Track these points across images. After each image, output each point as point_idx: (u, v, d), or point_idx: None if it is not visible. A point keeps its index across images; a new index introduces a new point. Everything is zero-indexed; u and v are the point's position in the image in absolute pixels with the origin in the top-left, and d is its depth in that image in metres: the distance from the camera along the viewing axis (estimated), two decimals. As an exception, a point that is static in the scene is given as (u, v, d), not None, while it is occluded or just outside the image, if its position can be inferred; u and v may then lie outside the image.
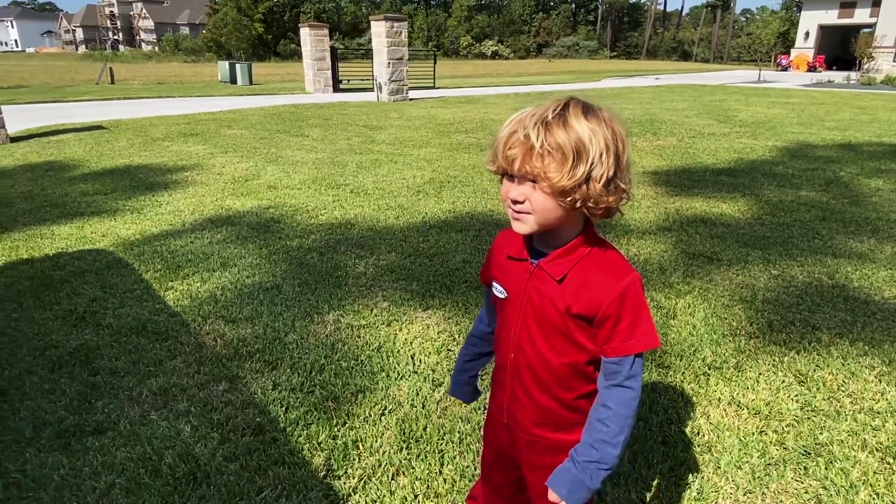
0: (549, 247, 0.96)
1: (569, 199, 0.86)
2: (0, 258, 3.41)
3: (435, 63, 18.72)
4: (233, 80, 19.25)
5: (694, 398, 2.09)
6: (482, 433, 1.28)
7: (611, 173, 0.86)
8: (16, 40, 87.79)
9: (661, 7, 79.64)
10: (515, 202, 0.91)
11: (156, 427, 1.91)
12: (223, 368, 2.26)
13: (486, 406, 1.28)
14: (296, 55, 49.28)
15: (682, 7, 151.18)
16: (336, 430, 1.90)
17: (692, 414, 2.00)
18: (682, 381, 2.18)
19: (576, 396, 1.01)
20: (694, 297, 2.90)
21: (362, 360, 2.33)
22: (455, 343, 2.47)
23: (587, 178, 0.85)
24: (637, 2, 76.43)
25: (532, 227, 0.91)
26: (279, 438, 1.86)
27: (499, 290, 1.05)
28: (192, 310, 2.75)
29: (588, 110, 0.87)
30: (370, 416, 1.98)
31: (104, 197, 4.79)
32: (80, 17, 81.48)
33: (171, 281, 3.09)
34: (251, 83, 19.01)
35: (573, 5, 75.89)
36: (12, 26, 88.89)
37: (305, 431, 1.89)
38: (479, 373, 1.28)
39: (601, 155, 0.85)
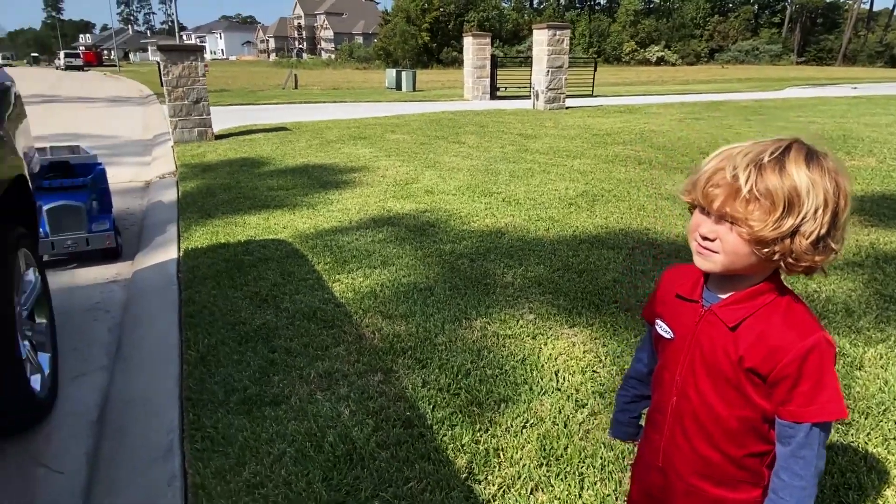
0: (725, 290, 0.90)
1: (766, 249, 0.79)
2: (205, 241, 4.00)
3: (595, 70, 18.30)
4: (398, 86, 20.49)
5: (879, 465, 1.84)
6: (631, 470, 1.25)
7: (823, 231, 0.77)
8: (222, 49, 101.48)
9: (867, 6, 69.94)
10: (705, 238, 0.84)
11: (320, 406, 2.14)
12: (379, 360, 2.45)
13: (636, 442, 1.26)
14: (456, 62, 51.06)
15: (895, 6, 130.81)
16: (479, 435, 1.98)
17: (876, 483, 1.77)
18: (867, 444, 1.94)
19: (746, 454, 0.93)
20: (888, 348, 2.55)
21: (506, 370, 2.38)
22: (601, 365, 2.43)
23: (793, 232, 0.77)
24: (835, 1, 67.89)
25: (716, 267, 0.85)
26: (426, 434, 1.98)
27: (664, 330, 0.99)
28: (355, 303, 3.01)
29: (811, 157, 0.78)
30: (512, 426, 2.03)
31: (286, 192, 5.39)
32: (273, 28, 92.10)
33: (338, 274, 3.41)
34: (414, 89, 20.10)
35: (756, 6, 69.55)
36: (221, 37, 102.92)
37: (450, 432, 1.99)
38: (642, 412, 1.23)
39: (816, 210, 0.76)
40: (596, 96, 17.12)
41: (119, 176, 6.27)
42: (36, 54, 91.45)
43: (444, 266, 3.53)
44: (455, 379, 2.31)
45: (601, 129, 9.74)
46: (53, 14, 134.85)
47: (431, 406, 2.13)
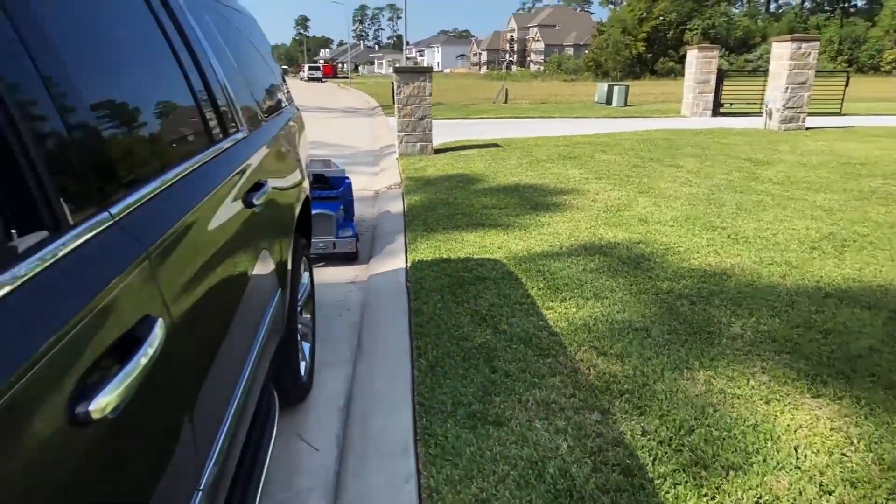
0: None
1: None
2: (428, 254, 4.39)
3: (846, 84, 15.85)
4: (608, 101, 20.03)
5: None
6: None
7: None
8: (438, 62, 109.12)
9: None
10: None
11: (539, 435, 2.23)
12: (595, 399, 2.47)
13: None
14: (672, 73, 48.19)
15: None
16: (705, 501, 1.89)
17: None
18: None
19: None
20: None
21: (735, 434, 2.23)
22: (852, 448, 2.14)
23: None
24: None
25: None
26: (647, 487, 1.95)
27: None
28: (569, 334, 3.06)
29: None
30: (743, 499, 1.90)
31: (499, 211, 5.65)
32: (486, 42, 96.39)
33: (551, 301, 3.49)
34: (626, 104, 19.47)
35: None
36: (438, 51, 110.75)
37: (674, 490, 1.93)
38: None
39: None
40: (845, 115, 14.84)
41: (354, 184, 7.14)
42: (286, 67, 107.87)
43: (661, 306, 3.40)
44: (677, 434, 2.23)
45: (852, 157, 8.44)
46: (301, 31, 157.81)
47: (652, 458, 2.09)
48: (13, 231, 0.84)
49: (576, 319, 3.24)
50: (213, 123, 1.71)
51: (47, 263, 0.82)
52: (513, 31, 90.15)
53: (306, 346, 2.89)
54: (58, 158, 0.91)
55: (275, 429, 1.93)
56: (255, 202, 1.74)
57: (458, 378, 2.64)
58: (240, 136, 1.93)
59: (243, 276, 1.63)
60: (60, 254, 0.85)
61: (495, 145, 10.12)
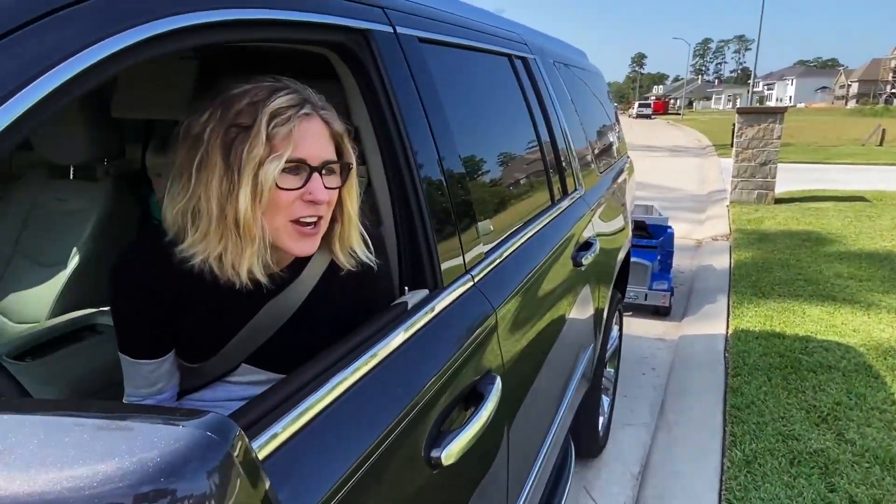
0: None
1: None
2: (757, 324, 3.86)
3: None
4: None
5: None
6: None
7: None
8: (790, 96, 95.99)
9: None
10: None
11: None
12: None
13: None
14: None
15: None
16: None
17: None
18: None
19: None
20: None
21: None
22: None
23: None
24: None
25: None
26: None
27: None
28: (956, 469, 2.31)
29: None
30: None
31: (858, 284, 4.63)
32: (860, 72, 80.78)
33: (930, 417, 2.68)
34: None
35: None
36: (791, 83, 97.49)
37: None
38: None
39: None
40: None
41: (674, 230, 6.76)
42: (615, 104, 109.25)
43: None
44: None
45: None
46: (636, 69, 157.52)
47: None
48: (405, 288, 1.03)
49: (969, 452, 2.42)
50: (556, 185, 1.84)
51: (428, 318, 0.98)
52: (900, 57, 73.55)
53: (606, 400, 2.84)
54: (441, 225, 1.09)
55: (570, 480, 1.94)
56: (583, 262, 1.79)
57: (781, 486, 2.24)
58: (577, 194, 2.02)
59: (564, 331, 1.69)
60: (437, 309, 1.02)
61: (861, 199, 8.36)
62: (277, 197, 0.81)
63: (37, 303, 1.66)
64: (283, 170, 0.80)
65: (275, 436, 0.68)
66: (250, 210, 0.79)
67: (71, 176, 1.87)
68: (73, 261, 1.68)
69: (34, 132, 1.66)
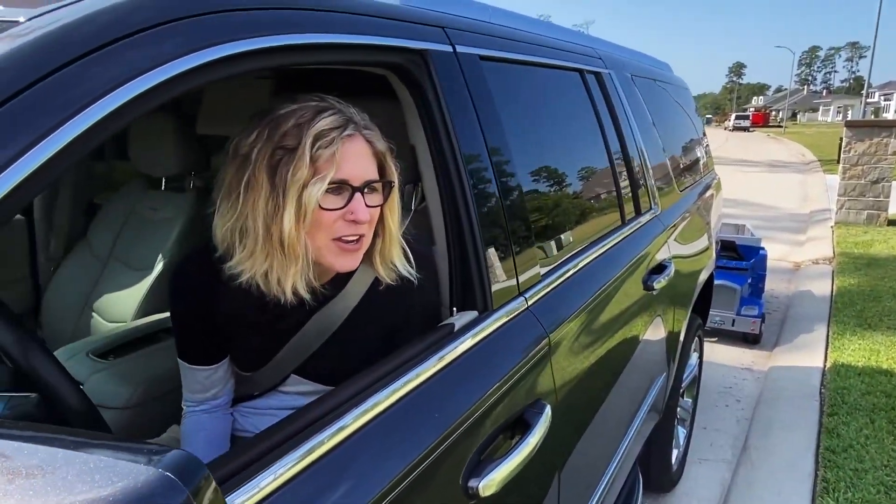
0: None
1: None
2: (860, 358, 3.51)
3: None
4: None
5: None
6: None
7: None
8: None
9: None
10: None
11: None
12: None
13: None
14: None
15: None
16: None
17: None
18: None
19: None
20: None
21: None
22: None
23: None
24: None
25: None
26: None
27: None
28: None
29: None
30: None
31: None
32: None
33: None
34: None
35: None
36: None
37: None
38: None
39: None
40: None
41: (769, 251, 6.30)
42: (710, 115, 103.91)
43: None
44: None
45: None
46: (734, 79, 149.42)
47: None
48: (454, 309, 1.02)
49: None
50: (627, 204, 1.76)
51: (475, 341, 0.96)
52: None
53: (681, 431, 2.67)
54: (494, 246, 1.06)
55: (635, 514, 1.84)
56: (655, 286, 1.70)
57: (880, 542, 2.01)
58: (651, 214, 1.92)
59: (631, 358, 1.60)
60: (485, 332, 0.99)
61: None
62: (320, 217, 0.83)
63: (126, 304, 1.79)
64: (326, 190, 0.81)
65: (310, 451, 0.68)
66: (294, 230, 0.81)
67: (162, 187, 2.02)
68: (159, 266, 1.81)
69: (133, 147, 1.81)
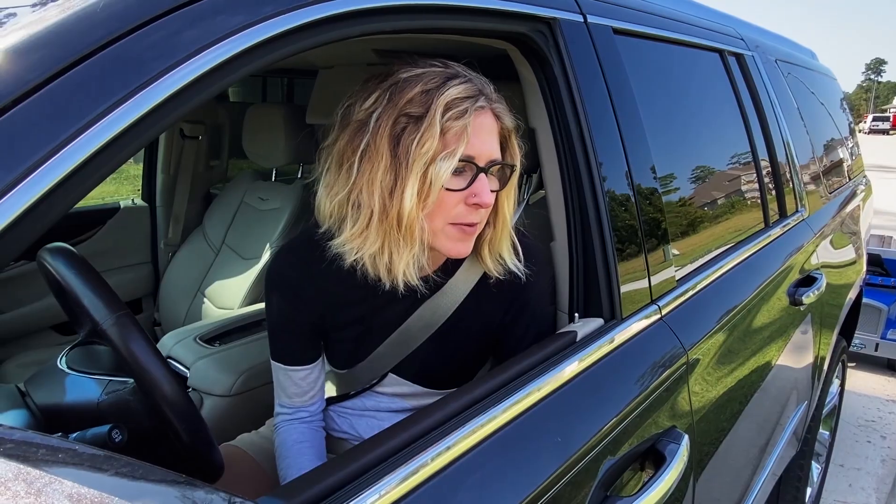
0: None
1: None
2: None
3: None
4: None
5: None
6: None
7: None
8: None
9: None
10: None
11: None
12: None
13: None
14: None
15: None
16: None
17: None
18: None
19: None
20: None
21: None
22: None
23: None
24: None
25: None
26: None
27: None
28: None
29: None
30: None
31: None
32: None
33: None
34: None
35: None
36: None
37: None
38: None
39: None
40: None
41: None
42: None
43: None
44: None
45: None
46: (871, 77, 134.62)
47: None
48: (575, 315, 0.89)
49: None
50: (772, 205, 1.53)
51: (601, 353, 0.83)
52: None
53: (815, 468, 2.34)
54: (624, 245, 0.92)
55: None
56: (803, 300, 1.46)
57: None
58: (799, 217, 1.67)
59: (773, 382, 1.38)
60: (613, 344, 0.85)
61: None
62: (442, 197, 0.73)
63: (234, 291, 1.82)
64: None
65: (414, 472, 0.59)
66: (415, 209, 0.71)
67: (273, 178, 2.04)
68: (266, 255, 1.82)
69: (246, 138, 1.83)
